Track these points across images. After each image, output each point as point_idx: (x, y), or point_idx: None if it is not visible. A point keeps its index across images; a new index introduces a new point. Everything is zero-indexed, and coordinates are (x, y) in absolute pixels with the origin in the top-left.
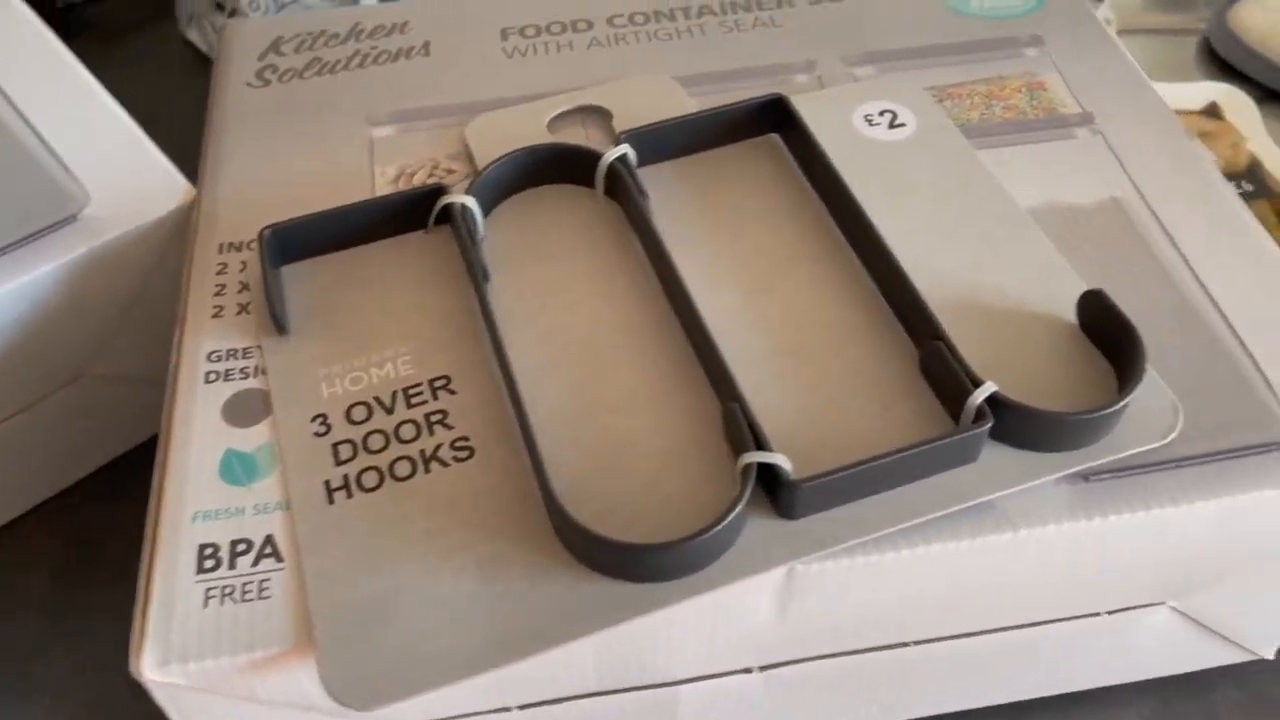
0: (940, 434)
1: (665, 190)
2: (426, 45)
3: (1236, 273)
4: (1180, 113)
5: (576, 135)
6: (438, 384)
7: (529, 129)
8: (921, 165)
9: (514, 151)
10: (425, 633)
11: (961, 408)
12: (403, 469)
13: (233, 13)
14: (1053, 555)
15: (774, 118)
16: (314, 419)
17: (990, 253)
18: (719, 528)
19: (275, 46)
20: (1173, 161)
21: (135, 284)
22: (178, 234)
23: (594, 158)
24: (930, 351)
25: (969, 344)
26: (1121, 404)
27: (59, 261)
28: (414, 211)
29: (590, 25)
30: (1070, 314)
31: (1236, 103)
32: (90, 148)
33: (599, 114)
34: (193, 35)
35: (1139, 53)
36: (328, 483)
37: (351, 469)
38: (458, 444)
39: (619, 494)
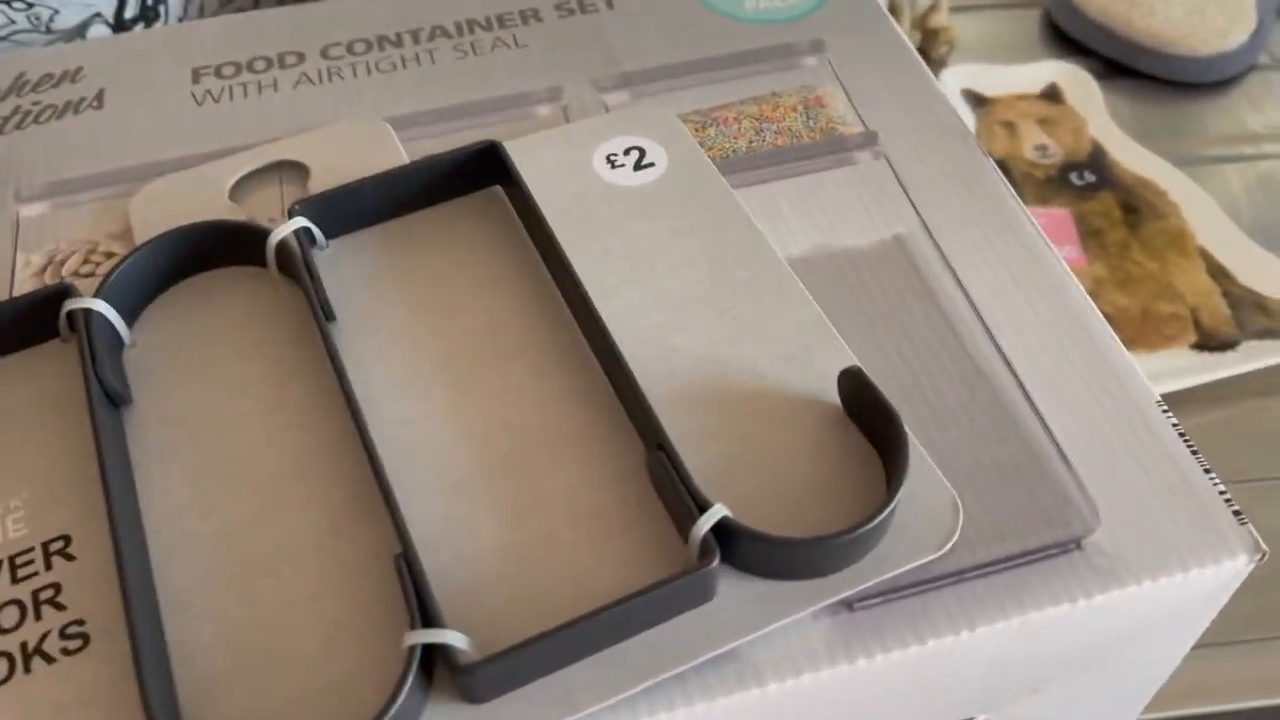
0: (655, 580)
1: (362, 265)
2: (100, 95)
3: (1033, 326)
4: (1019, 97)
5: (271, 198)
6: (53, 547)
7: (207, 198)
8: (669, 216)
9: (159, 237)
10: None
11: (687, 536)
12: None
13: None
14: (816, 706)
15: (493, 167)
16: None
17: (742, 324)
18: None
19: None
20: (965, 185)
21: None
22: None
23: (261, 235)
24: (655, 463)
25: (713, 444)
26: (878, 519)
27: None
28: (42, 318)
29: (301, 58)
30: (835, 393)
31: (1078, 82)
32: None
33: (297, 170)
34: None
35: (978, 31)
36: None
37: None
38: (69, 631)
39: (270, 686)
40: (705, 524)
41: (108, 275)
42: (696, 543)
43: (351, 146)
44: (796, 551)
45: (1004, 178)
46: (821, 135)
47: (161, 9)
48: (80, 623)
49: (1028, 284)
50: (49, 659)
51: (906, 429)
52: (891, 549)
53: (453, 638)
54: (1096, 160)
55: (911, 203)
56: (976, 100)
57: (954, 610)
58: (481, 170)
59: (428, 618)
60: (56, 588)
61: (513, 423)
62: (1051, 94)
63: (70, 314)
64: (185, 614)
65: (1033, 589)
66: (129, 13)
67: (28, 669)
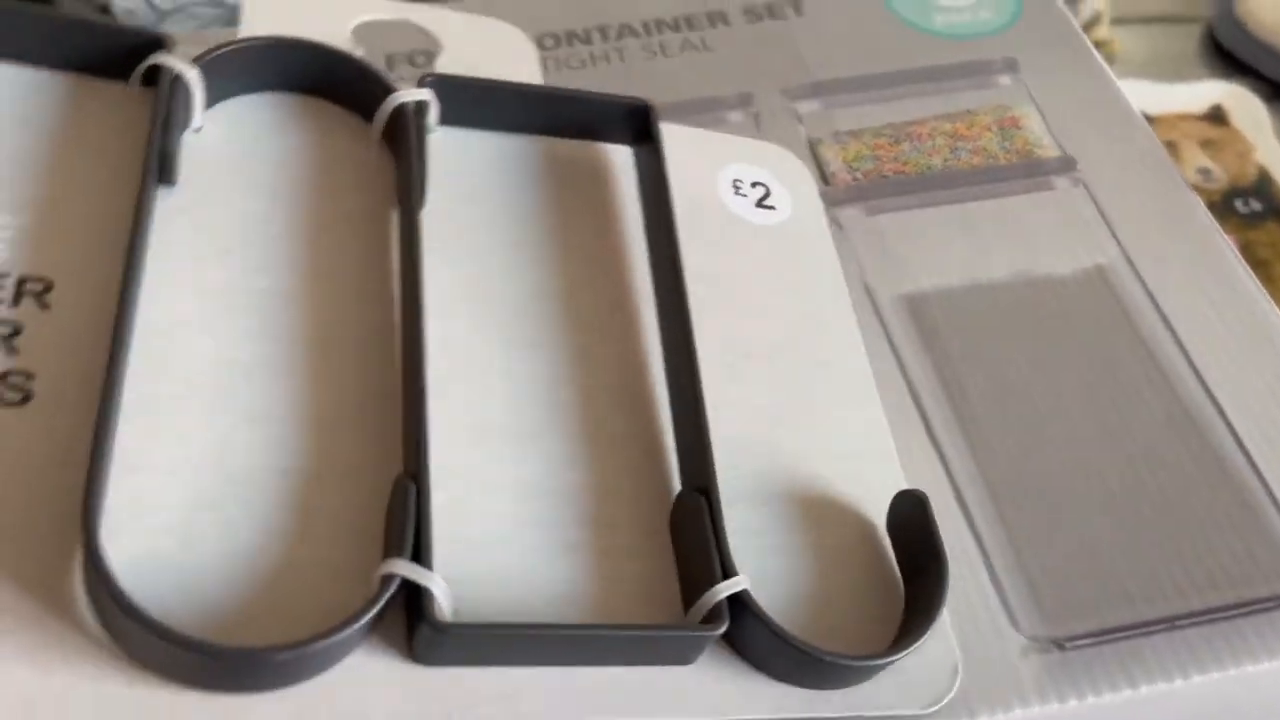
0: (647, 622)
1: (467, 169)
2: None
3: (1243, 369)
4: (1181, 117)
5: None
6: (29, 286)
7: (327, 24)
8: (771, 266)
9: (279, 39)
10: None
11: (698, 594)
12: None
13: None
14: None
15: (635, 129)
16: None
17: (803, 401)
18: (303, 648)
19: None
20: (1167, 219)
21: None
22: None
23: (383, 90)
24: (687, 505)
25: (734, 510)
26: (889, 659)
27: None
28: (119, 55)
29: None
30: (879, 505)
31: (1244, 105)
32: None
33: (425, 43)
34: None
35: (1135, 46)
36: None
37: None
38: (12, 378)
39: (208, 538)
40: (724, 590)
41: (209, 51)
42: (706, 605)
43: (490, 43)
44: (795, 656)
45: (1209, 212)
46: (1018, 157)
47: None
48: (28, 376)
49: (1236, 324)
50: None
51: (949, 577)
52: (878, 687)
53: (439, 588)
54: (1263, 187)
55: (1113, 232)
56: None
57: (1166, 656)
58: (622, 125)
59: (419, 554)
60: (16, 328)
61: (555, 396)
62: (1216, 115)
63: (154, 69)
64: (148, 419)
65: (1248, 641)
66: None
67: None
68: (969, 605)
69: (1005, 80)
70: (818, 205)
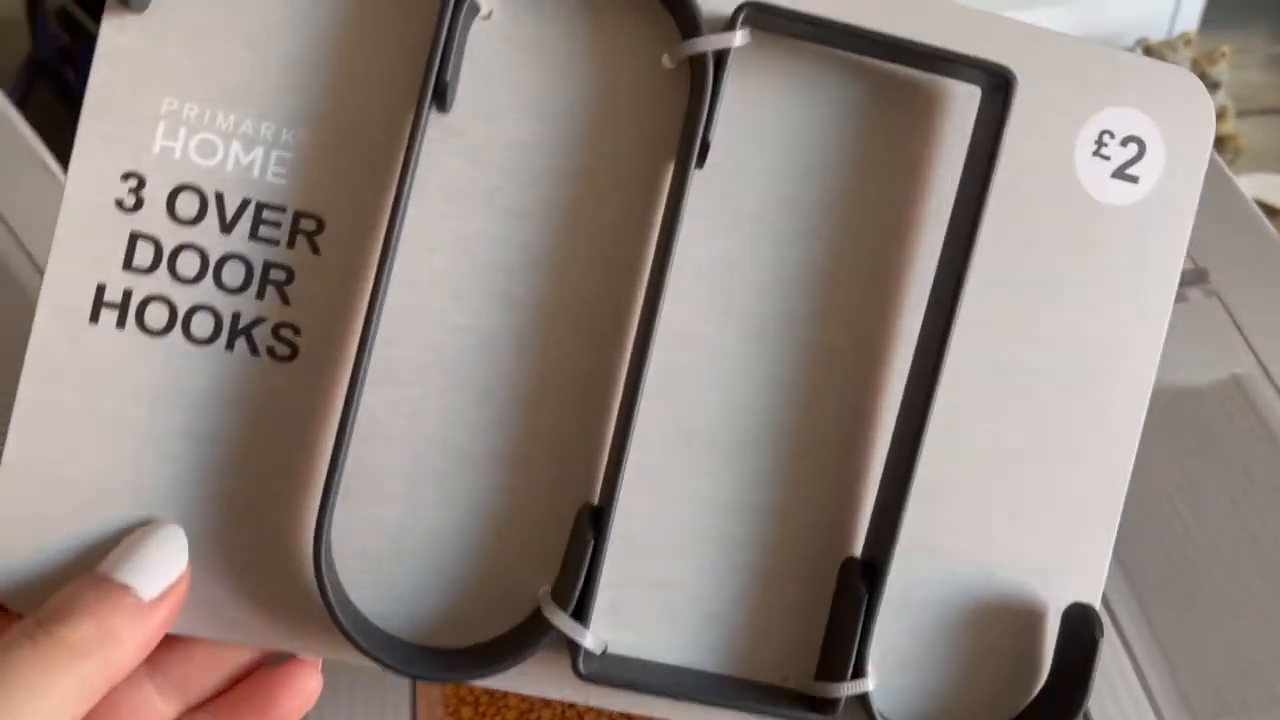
0: (772, 689)
1: (765, 94)
2: None
3: None
4: None
5: None
6: (305, 223)
7: None
8: (1099, 264)
9: None
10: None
11: (830, 674)
12: (202, 327)
13: None
14: None
15: (987, 78)
16: (126, 178)
17: (1048, 452)
18: (476, 672)
19: None
20: None
21: None
22: None
23: (687, 19)
24: (852, 580)
25: (915, 556)
26: None
27: None
28: None
29: None
30: (1068, 590)
31: None
32: None
33: None
34: None
35: (1266, 138)
36: (102, 289)
37: (140, 285)
38: (283, 331)
39: (420, 518)
40: (848, 689)
41: None
42: (830, 694)
43: None
44: None
45: None
46: None
47: None
48: (296, 330)
49: None
50: (254, 349)
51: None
52: None
53: (590, 641)
54: None
55: (1248, 343)
56: (1268, 211)
57: None
58: (980, 71)
59: (583, 603)
60: (289, 274)
61: (770, 408)
62: None
63: None
64: (391, 389)
65: None
66: None
67: (230, 345)
68: (1120, 710)
69: None
70: (1196, 173)
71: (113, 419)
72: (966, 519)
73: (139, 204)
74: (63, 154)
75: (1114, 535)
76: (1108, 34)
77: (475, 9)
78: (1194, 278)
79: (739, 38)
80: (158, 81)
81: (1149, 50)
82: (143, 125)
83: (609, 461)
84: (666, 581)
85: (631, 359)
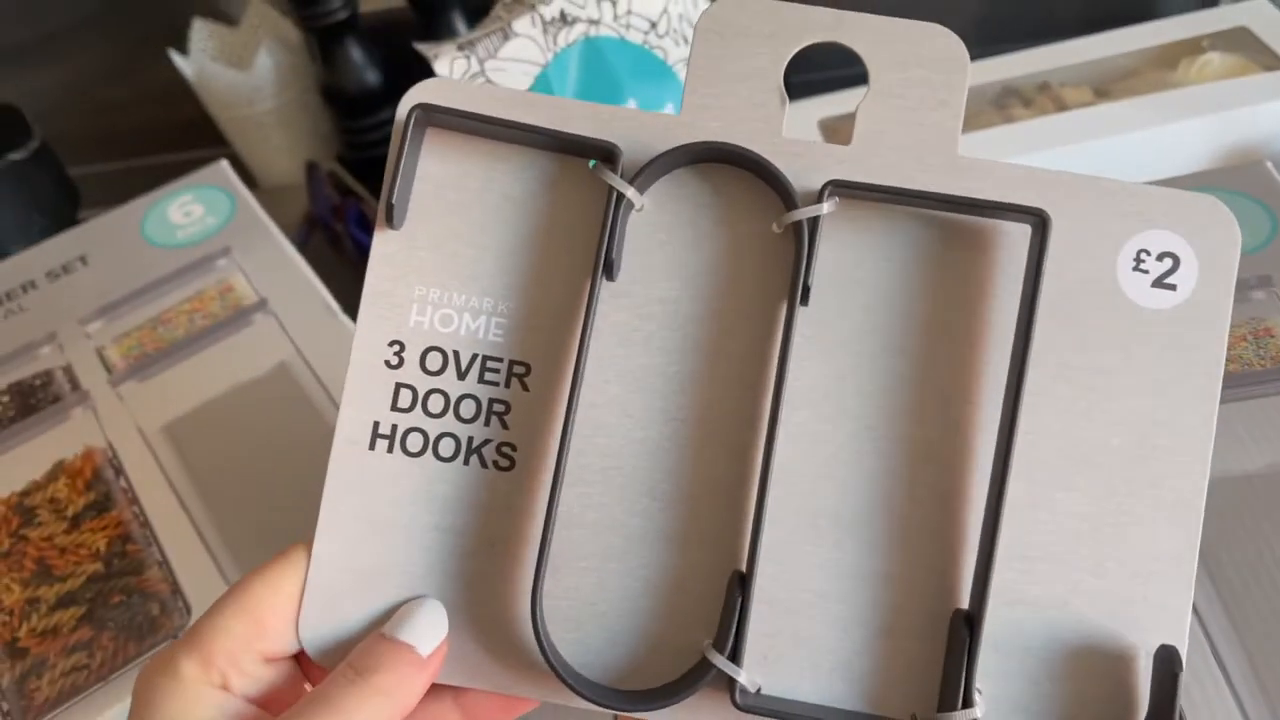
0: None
1: (852, 247)
2: None
3: None
4: None
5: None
6: (517, 369)
7: (765, 59)
8: (1150, 362)
9: (692, 147)
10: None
11: (943, 707)
12: (446, 448)
13: None
14: None
15: (1033, 219)
16: (391, 344)
17: (1116, 516)
18: (657, 703)
19: None
20: None
21: None
22: None
23: (788, 194)
24: (956, 638)
25: (1015, 610)
26: None
27: None
28: (584, 152)
29: None
30: (1152, 637)
31: None
32: None
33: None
34: None
35: None
36: (376, 425)
37: (403, 421)
38: (504, 449)
39: (607, 586)
40: (958, 718)
41: (644, 168)
42: None
43: (921, 66)
44: None
45: None
46: (1272, 363)
47: None
48: (513, 448)
49: None
50: (484, 463)
51: None
52: None
53: (743, 678)
54: None
55: None
56: None
57: None
58: (1021, 213)
59: (736, 648)
60: (506, 406)
61: (881, 490)
62: None
63: (609, 189)
64: (583, 488)
65: None
66: None
67: (466, 461)
68: None
69: (1259, 295)
70: (1229, 281)
71: (385, 520)
72: (1057, 576)
73: (401, 363)
74: (335, 290)
75: (1192, 586)
76: (1257, 141)
77: (631, 205)
78: None
79: (826, 207)
80: (411, 275)
81: None
82: (401, 308)
83: (751, 537)
84: (804, 636)
85: (764, 455)
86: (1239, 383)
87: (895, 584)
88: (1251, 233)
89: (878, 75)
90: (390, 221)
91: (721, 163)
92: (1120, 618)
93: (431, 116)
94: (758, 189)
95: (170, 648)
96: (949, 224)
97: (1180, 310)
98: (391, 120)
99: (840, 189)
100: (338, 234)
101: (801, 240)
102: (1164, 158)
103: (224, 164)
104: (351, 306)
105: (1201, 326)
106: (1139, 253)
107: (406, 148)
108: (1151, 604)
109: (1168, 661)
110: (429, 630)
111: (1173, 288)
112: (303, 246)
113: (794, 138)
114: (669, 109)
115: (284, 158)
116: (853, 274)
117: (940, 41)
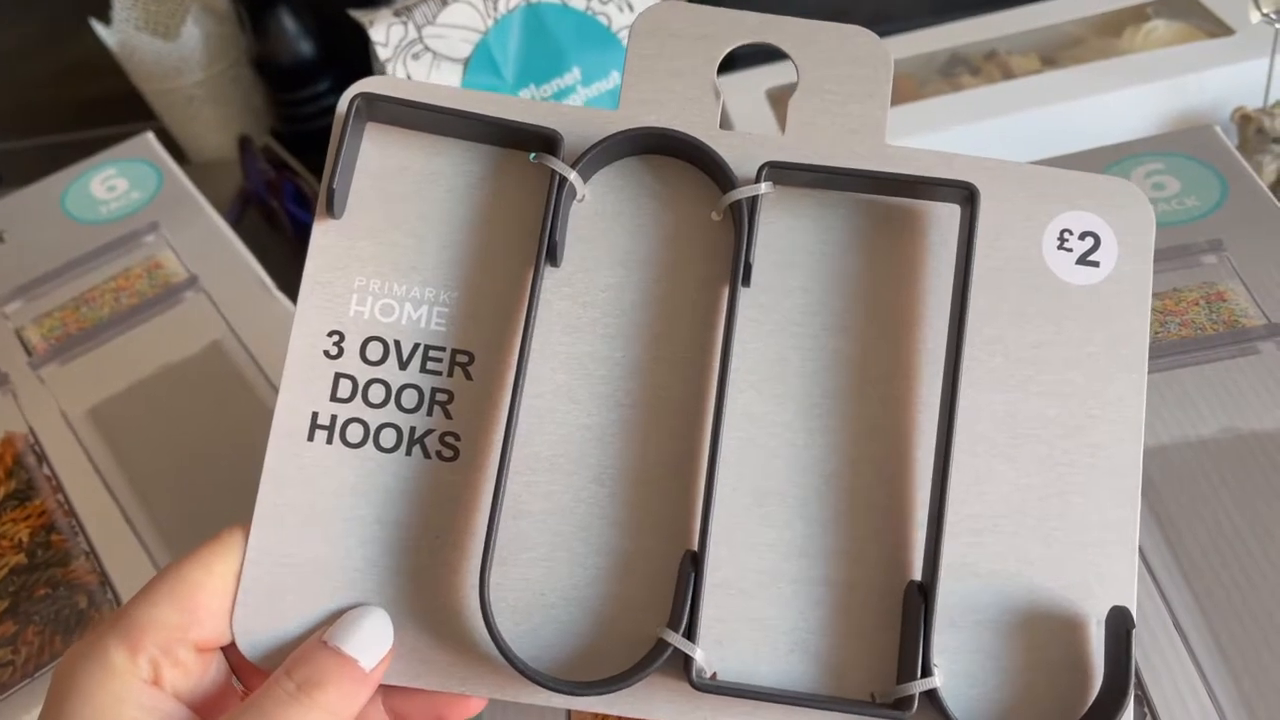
0: (854, 701)
1: (793, 231)
2: None
3: None
4: None
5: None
6: (460, 358)
7: (699, 60)
8: (1077, 333)
9: (632, 132)
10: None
11: (902, 678)
12: (388, 439)
13: None
14: None
15: (962, 195)
16: (330, 334)
17: (1062, 485)
18: (613, 688)
19: None
20: None
21: None
22: None
23: (726, 176)
24: (912, 597)
25: (969, 582)
26: None
27: None
28: (527, 143)
29: None
30: (1104, 603)
31: None
32: None
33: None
34: None
35: None
36: (315, 415)
37: (343, 412)
38: (447, 439)
39: (554, 577)
40: (916, 687)
41: (587, 152)
42: (901, 694)
43: (844, 64)
44: None
45: None
46: (1224, 327)
47: None
48: (457, 438)
49: None
50: (426, 453)
51: (1129, 700)
52: None
53: (699, 655)
54: None
55: None
56: None
57: None
58: (950, 189)
59: (691, 628)
60: (449, 396)
61: (828, 468)
62: None
63: (551, 173)
64: (530, 477)
65: None
66: None
67: (408, 452)
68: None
69: (1210, 259)
70: (1147, 254)
71: (324, 513)
72: (1005, 548)
73: (341, 353)
74: (271, 267)
75: (1135, 552)
76: (1204, 106)
77: (573, 191)
78: (1266, 332)
79: (764, 187)
80: (351, 266)
81: (1246, 118)
82: (342, 297)
83: (700, 519)
84: (759, 618)
85: (710, 438)
86: (1192, 347)
87: (847, 561)
88: (1202, 197)
89: (806, 72)
90: (330, 210)
91: (662, 153)
92: (1071, 586)
93: (373, 108)
94: (697, 178)
95: (96, 632)
96: (882, 207)
97: (1104, 285)
98: (327, 93)
99: (776, 169)
100: (273, 210)
101: (741, 221)
102: (1112, 124)
103: (149, 136)
104: (288, 284)
105: (1125, 300)
106: (1062, 232)
107: (347, 137)
108: (1100, 571)
109: (1120, 621)
110: (374, 642)
111: (1096, 264)
112: (237, 224)
113: (729, 130)
114: (614, 77)
115: (215, 132)
116: (791, 257)
117: (863, 40)
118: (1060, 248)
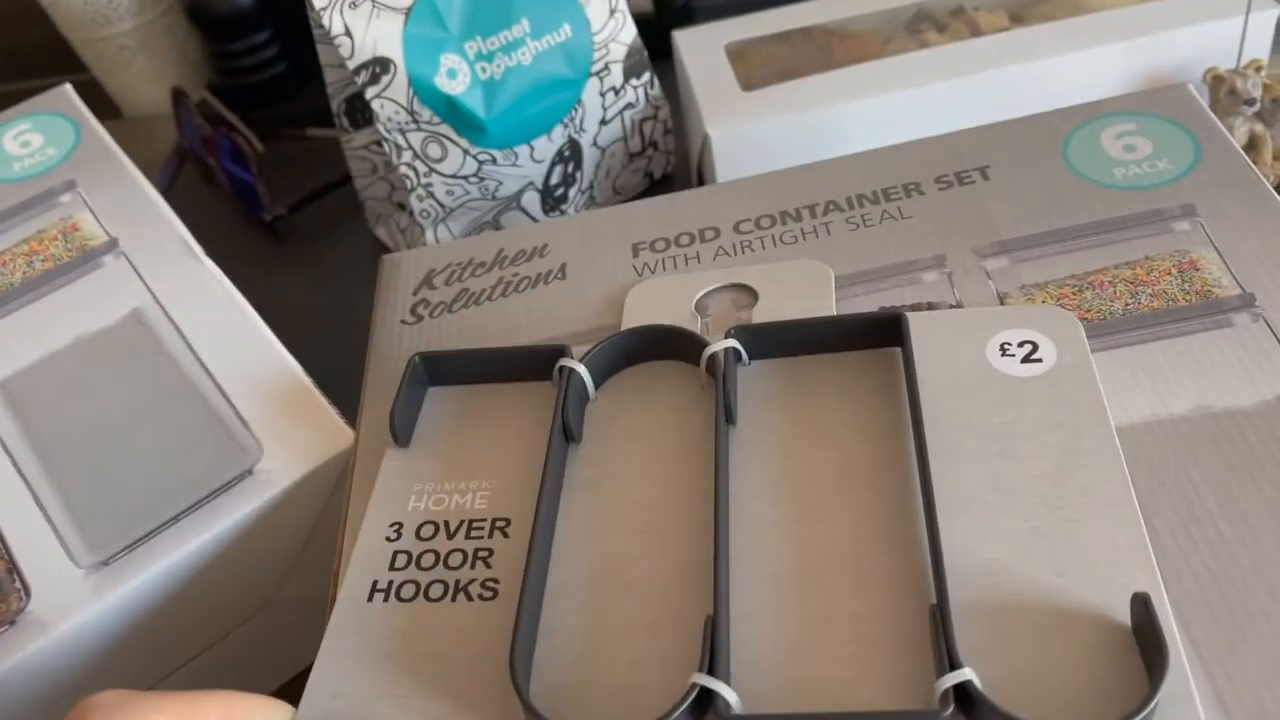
0: (889, 712)
1: (769, 386)
2: (564, 268)
3: None
4: None
5: (727, 312)
6: (499, 523)
7: (678, 303)
8: (1038, 410)
9: (631, 330)
10: None
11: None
12: (436, 591)
13: (410, 213)
14: None
15: (896, 332)
16: (392, 525)
17: (1064, 524)
18: None
19: (428, 280)
20: None
21: (310, 519)
22: (341, 473)
23: (701, 345)
24: (932, 623)
25: (994, 618)
26: None
27: (239, 514)
28: (545, 365)
29: (717, 233)
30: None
31: None
32: (262, 397)
33: (749, 293)
34: (380, 233)
35: None
36: (375, 582)
37: (398, 577)
38: (488, 583)
39: (590, 673)
40: (949, 680)
41: (591, 350)
42: (936, 693)
43: (796, 283)
44: None
45: None
46: (1197, 298)
47: (578, 175)
48: (496, 581)
49: None
50: (470, 597)
51: (1171, 666)
52: None
53: (727, 692)
54: None
55: None
56: None
57: None
58: (886, 333)
59: (714, 669)
60: (490, 551)
61: (834, 546)
62: None
63: (560, 368)
64: (561, 600)
65: None
66: (554, 180)
67: (454, 599)
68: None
69: (1183, 226)
70: (1083, 350)
71: (375, 653)
72: (1022, 582)
73: (399, 536)
74: (208, 228)
75: (1154, 567)
76: (1175, 66)
77: (581, 385)
78: (1241, 303)
79: (730, 341)
80: (413, 479)
81: (1218, 79)
82: (402, 499)
83: (715, 601)
84: (791, 682)
85: (717, 546)
86: (1164, 319)
87: (867, 620)
88: (1175, 159)
89: (764, 293)
90: (398, 442)
91: (653, 357)
92: (1093, 605)
93: (430, 367)
94: (689, 372)
95: None
96: (847, 360)
97: (1053, 373)
98: (266, 44)
99: (741, 329)
100: (210, 168)
101: (717, 372)
102: (1081, 84)
103: (67, 88)
104: (224, 249)
105: (1076, 380)
106: (1002, 345)
107: (406, 388)
108: (1120, 586)
109: (1138, 601)
110: None
111: (1040, 360)
112: (172, 182)
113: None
114: (565, 29)
115: (150, 85)
116: (772, 400)
117: (813, 266)
118: (1004, 355)
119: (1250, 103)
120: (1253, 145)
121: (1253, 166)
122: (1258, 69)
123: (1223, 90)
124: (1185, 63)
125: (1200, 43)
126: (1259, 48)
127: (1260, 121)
